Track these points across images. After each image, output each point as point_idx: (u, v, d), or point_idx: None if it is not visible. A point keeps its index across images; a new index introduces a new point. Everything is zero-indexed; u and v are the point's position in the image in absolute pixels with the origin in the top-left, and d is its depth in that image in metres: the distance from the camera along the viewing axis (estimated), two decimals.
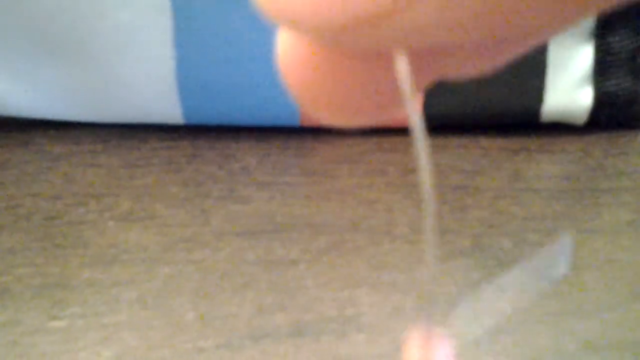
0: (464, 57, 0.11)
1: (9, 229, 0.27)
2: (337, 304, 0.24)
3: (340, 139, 0.31)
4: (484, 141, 0.31)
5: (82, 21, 0.29)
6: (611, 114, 0.31)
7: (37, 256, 0.26)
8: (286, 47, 0.11)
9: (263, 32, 0.29)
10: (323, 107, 0.12)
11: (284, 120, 0.31)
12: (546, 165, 0.30)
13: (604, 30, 0.30)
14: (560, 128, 0.31)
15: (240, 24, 0.29)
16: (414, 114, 0.11)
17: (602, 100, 0.31)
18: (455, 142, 0.31)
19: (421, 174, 0.12)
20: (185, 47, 0.29)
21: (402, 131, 0.32)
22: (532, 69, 0.30)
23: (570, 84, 0.30)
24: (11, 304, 0.24)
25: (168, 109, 0.31)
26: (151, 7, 0.28)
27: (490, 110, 0.31)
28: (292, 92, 0.12)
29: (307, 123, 0.31)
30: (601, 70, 0.30)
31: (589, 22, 0.29)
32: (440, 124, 0.31)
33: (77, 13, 0.28)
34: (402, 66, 0.11)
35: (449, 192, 0.29)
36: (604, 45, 0.30)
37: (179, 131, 0.32)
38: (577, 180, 0.29)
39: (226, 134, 0.32)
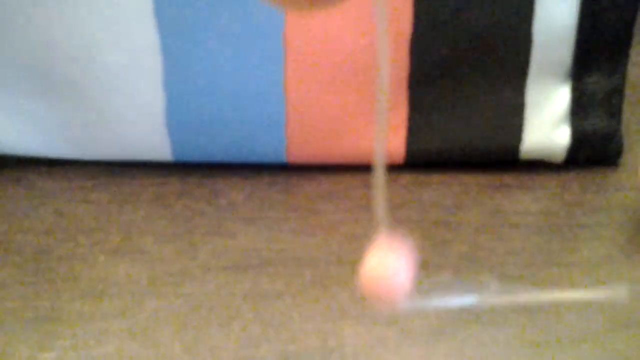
0: None
1: (0, 263, 0.28)
2: (321, 335, 0.25)
3: (325, 175, 0.32)
4: (465, 177, 0.32)
5: (72, 61, 0.29)
6: (588, 152, 0.32)
7: (28, 290, 0.27)
8: None
9: (251, 70, 0.29)
10: None
11: (270, 157, 0.31)
12: (525, 201, 0.31)
13: (581, 71, 0.31)
14: (539, 165, 0.32)
15: (228, 65, 0.29)
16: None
17: (579, 139, 0.31)
18: (436, 179, 0.32)
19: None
20: (175, 87, 0.30)
21: (386, 168, 0.32)
22: (511, 109, 0.31)
23: (548, 123, 0.31)
24: (2, 337, 0.25)
25: (157, 147, 0.31)
26: (141, 47, 0.29)
27: (471, 148, 0.31)
28: None
29: (293, 160, 0.32)
30: (578, 110, 0.31)
31: (565, 64, 0.30)
32: (423, 162, 0.32)
33: (68, 53, 0.29)
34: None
35: (430, 227, 0.29)
36: (581, 86, 0.31)
37: (168, 168, 0.32)
38: (556, 215, 0.30)
39: (214, 171, 0.32)
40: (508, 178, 0.32)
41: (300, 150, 0.31)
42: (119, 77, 0.29)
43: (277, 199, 0.31)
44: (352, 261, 0.28)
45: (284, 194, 0.31)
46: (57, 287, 0.27)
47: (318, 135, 0.31)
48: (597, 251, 0.28)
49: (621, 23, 0.30)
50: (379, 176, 0.15)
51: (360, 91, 0.30)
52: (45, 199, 0.31)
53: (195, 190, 0.31)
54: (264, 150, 0.31)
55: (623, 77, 0.31)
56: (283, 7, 0.14)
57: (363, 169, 0.32)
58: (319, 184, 0.31)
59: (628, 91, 0.36)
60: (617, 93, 0.31)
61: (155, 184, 0.32)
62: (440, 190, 0.31)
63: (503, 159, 0.32)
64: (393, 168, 0.32)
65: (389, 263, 0.17)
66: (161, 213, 0.30)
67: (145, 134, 0.31)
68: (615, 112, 0.31)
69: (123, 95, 0.30)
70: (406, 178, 0.32)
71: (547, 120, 0.31)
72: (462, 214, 0.30)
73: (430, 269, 0.27)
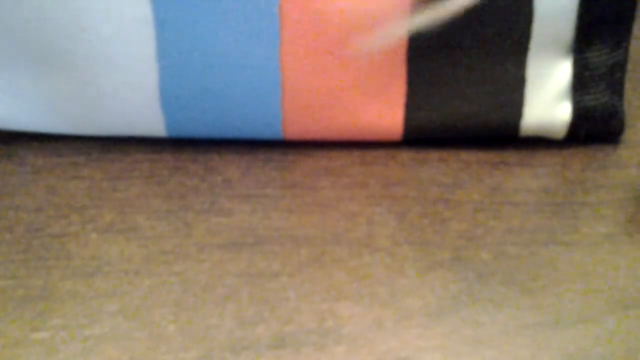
0: None
1: None
2: (317, 315, 0.25)
3: (321, 152, 0.32)
4: (464, 155, 0.31)
5: (64, 33, 0.29)
6: (590, 129, 0.31)
7: (19, 268, 0.26)
8: None
9: (246, 44, 0.29)
10: None
11: (266, 133, 0.31)
12: (525, 178, 0.30)
13: (582, 45, 0.30)
14: (539, 142, 0.32)
15: (223, 38, 0.29)
16: None
17: (580, 115, 0.31)
18: (435, 156, 0.31)
19: None
20: (168, 60, 0.29)
21: (383, 145, 0.32)
22: (511, 84, 0.30)
23: (549, 98, 0.31)
24: None
25: (151, 122, 0.31)
26: (134, 19, 0.29)
27: (470, 124, 0.31)
28: None
29: (289, 136, 0.31)
30: (579, 85, 0.31)
31: (567, 38, 0.30)
32: (421, 138, 0.31)
33: (60, 25, 0.29)
34: None
35: (429, 205, 0.29)
36: (582, 60, 0.30)
37: (162, 144, 0.32)
38: (556, 193, 0.30)
39: (209, 146, 0.32)
40: (508, 155, 0.31)
41: (297, 126, 0.31)
42: (111, 49, 0.29)
43: (273, 175, 0.30)
44: (350, 239, 0.28)
45: (280, 170, 0.31)
46: (49, 266, 0.26)
47: (314, 111, 0.30)
48: (597, 229, 0.28)
49: None
50: None
51: (357, 66, 0.30)
52: (36, 175, 0.30)
53: (190, 166, 0.31)
54: (260, 126, 0.31)
55: (626, 51, 0.31)
56: None
57: (360, 145, 0.32)
58: (315, 160, 0.31)
59: (629, 67, 0.36)
60: (619, 68, 0.31)
61: (148, 160, 0.31)
62: (439, 167, 0.31)
63: (503, 134, 0.31)
64: (391, 145, 0.32)
65: None
66: (155, 190, 0.30)
67: (138, 108, 0.30)
68: (617, 88, 0.31)
69: (115, 69, 0.30)
70: (404, 155, 0.31)
71: (548, 95, 0.31)
72: (461, 191, 0.30)
73: (428, 247, 0.27)
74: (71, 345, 0.24)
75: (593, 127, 0.31)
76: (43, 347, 0.24)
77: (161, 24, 0.29)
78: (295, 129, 0.31)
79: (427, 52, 0.30)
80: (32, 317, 0.25)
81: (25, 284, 0.26)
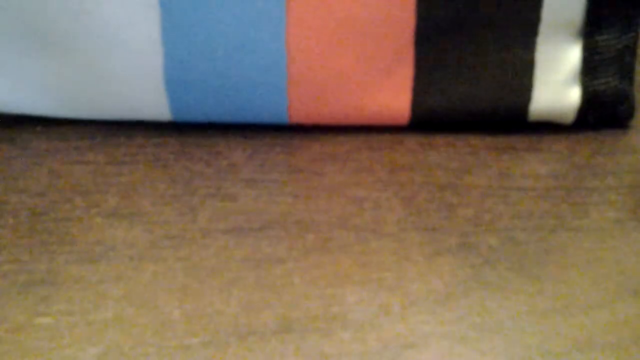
0: None
1: None
2: (323, 301, 0.25)
3: (328, 136, 0.31)
4: (472, 140, 0.31)
5: (68, 16, 0.29)
6: (599, 113, 0.31)
7: (23, 253, 0.26)
8: None
9: (252, 27, 0.29)
10: None
11: (272, 117, 0.31)
12: (533, 164, 0.30)
13: (592, 29, 0.30)
14: (548, 127, 0.32)
15: (228, 20, 0.29)
16: None
17: (589, 100, 0.31)
18: (443, 141, 0.31)
19: None
20: (173, 44, 0.29)
21: (390, 129, 0.32)
22: (520, 68, 0.30)
23: (558, 83, 0.31)
24: None
25: (155, 105, 0.31)
26: (138, 2, 0.28)
27: (478, 109, 0.31)
28: None
29: (295, 120, 0.31)
30: (589, 70, 0.30)
31: (577, 21, 0.30)
32: (429, 122, 0.31)
33: (63, 7, 0.28)
34: None
35: (436, 190, 0.29)
36: (592, 44, 0.30)
37: (166, 128, 0.32)
38: (564, 179, 0.29)
39: (214, 131, 0.32)
40: (516, 140, 0.31)
41: (302, 111, 0.31)
42: (116, 32, 0.29)
43: (279, 160, 0.30)
44: (356, 225, 0.27)
45: (285, 155, 0.30)
46: (52, 250, 0.26)
47: (320, 95, 0.30)
48: (606, 215, 0.28)
49: None
50: None
51: (364, 50, 0.29)
52: (40, 159, 0.30)
53: (195, 151, 0.31)
54: (265, 110, 0.31)
55: (636, 35, 0.30)
56: None
57: (366, 130, 0.32)
58: (321, 145, 0.31)
59: (639, 51, 0.36)
60: (629, 52, 0.30)
61: (153, 145, 0.31)
62: (447, 152, 0.31)
63: (512, 119, 0.31)
64: (398, 129, 0.32)
65: None
66: (159, 174, 0.30)
67: (143, 92, 0.30)
68: (627, 72, 0.31)
69: (120, 51, 0.29)
70: (411, 140, 0.31)
71: (557, 79, 0.30)
72: (469, 176, 0.29)
73: (435, 233, 0.27)
74: (75, 330, 0.24)
75: (602, 112, 0.31)
76: (47, 332, 0.24)
77: (166, 6, 0.28)
78: (301, 114, 0.31)
79: (435, 35, 0.29)
80: (35, 301, 0.25)
81: (28, 269, 0.26)
